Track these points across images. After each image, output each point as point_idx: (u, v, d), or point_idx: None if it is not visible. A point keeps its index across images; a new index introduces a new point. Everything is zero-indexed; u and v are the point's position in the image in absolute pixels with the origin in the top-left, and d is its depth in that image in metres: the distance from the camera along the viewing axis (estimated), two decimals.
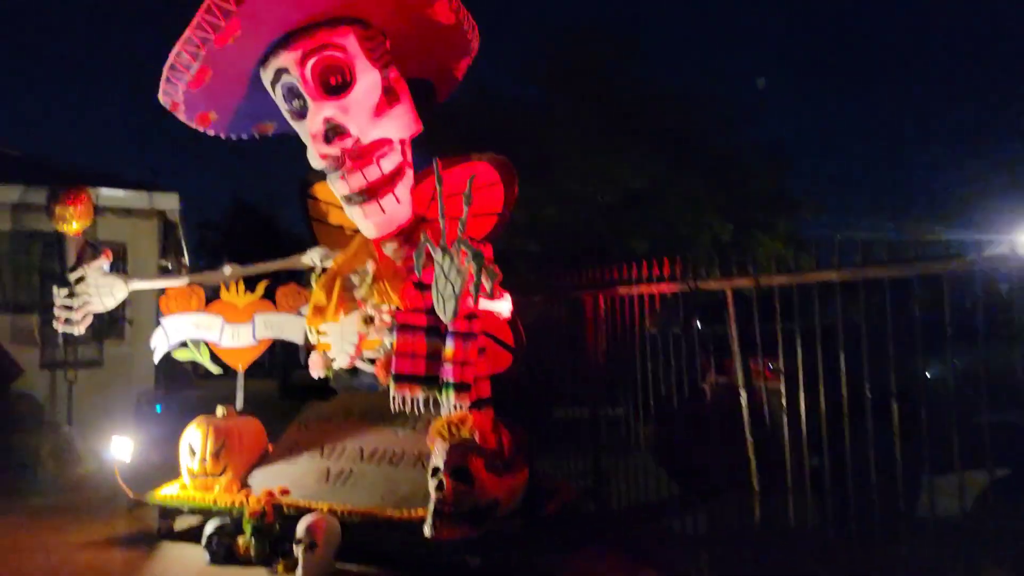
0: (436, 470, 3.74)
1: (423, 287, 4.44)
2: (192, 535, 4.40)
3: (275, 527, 4.00)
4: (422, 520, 3.80)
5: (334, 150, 4.29)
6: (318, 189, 5.28)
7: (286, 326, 4.96)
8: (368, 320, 4.44)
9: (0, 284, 7.09)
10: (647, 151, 13.52)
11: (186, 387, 9.34)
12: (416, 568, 3.91)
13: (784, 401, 3.45)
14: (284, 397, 12.01)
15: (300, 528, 3.81)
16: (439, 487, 3.62)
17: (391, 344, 4.52)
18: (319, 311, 4.53)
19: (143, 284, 5.03)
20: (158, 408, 7.28)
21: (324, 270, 4.90)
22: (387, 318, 4.46)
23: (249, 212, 22.80)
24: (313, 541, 3.76)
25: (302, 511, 4.03)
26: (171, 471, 4.85)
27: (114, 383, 7.31)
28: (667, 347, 4.03)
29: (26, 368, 6.59)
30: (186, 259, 11.09)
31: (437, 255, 3.43)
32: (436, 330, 4.39)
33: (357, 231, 4.98)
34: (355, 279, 4.51)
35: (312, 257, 4.93)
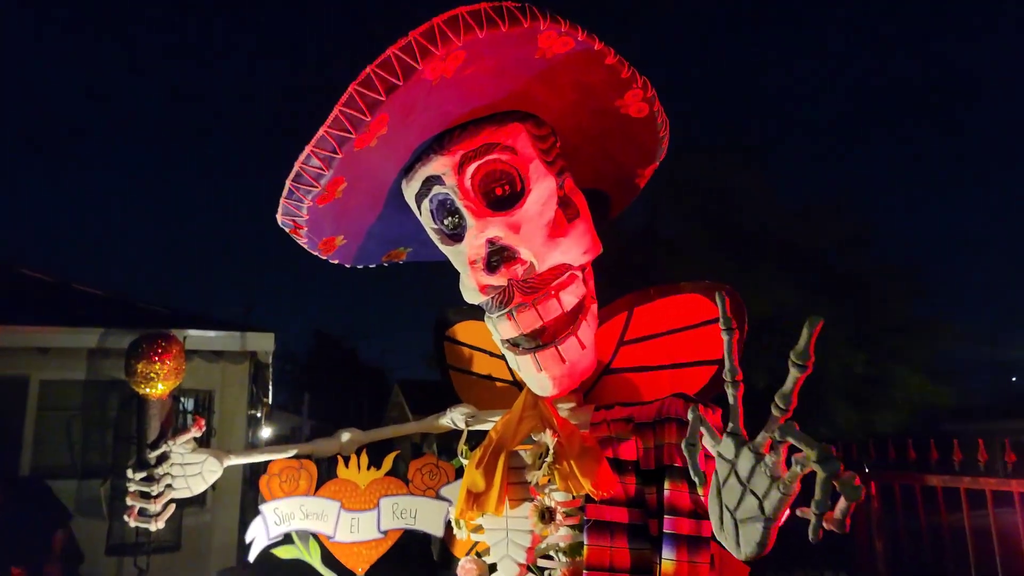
0: None
1: (623, 467, 3.21)
2: None
3: None
4: None
5: (500, 280, 3.19)
6: (460, 330, 4.19)
7: (422, 513, 3.76)
8: (546, 515, 3.19)
9: (68, 443, 6.11)
10: (768, 274, 12.29)
11: None
12: None
13: None
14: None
15: None
16: None
17: (559, 541, 3.27)
18: (475, 499, 3.31)
19: (241, 459, 3.92)
20: None
21: (469, 436, 3.74)
22: (572, 512, 3.21)
23: (331, 344, 22.16)
24: None
25: None
26: None
27: (191, 563, 6.13)
28: None
29: (91, 551, 5.48)
30: (269, 399, 10.12)
31: (726, 448, 2.19)
32: (644, 531, 3.11)
33: (514, 385, 3.84)
34: (525, 456, 3.30)
35: (454, 419, 3.77)
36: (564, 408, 3.44)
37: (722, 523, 2.14)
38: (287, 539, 3.81)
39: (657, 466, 3.09)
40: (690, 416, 2.31)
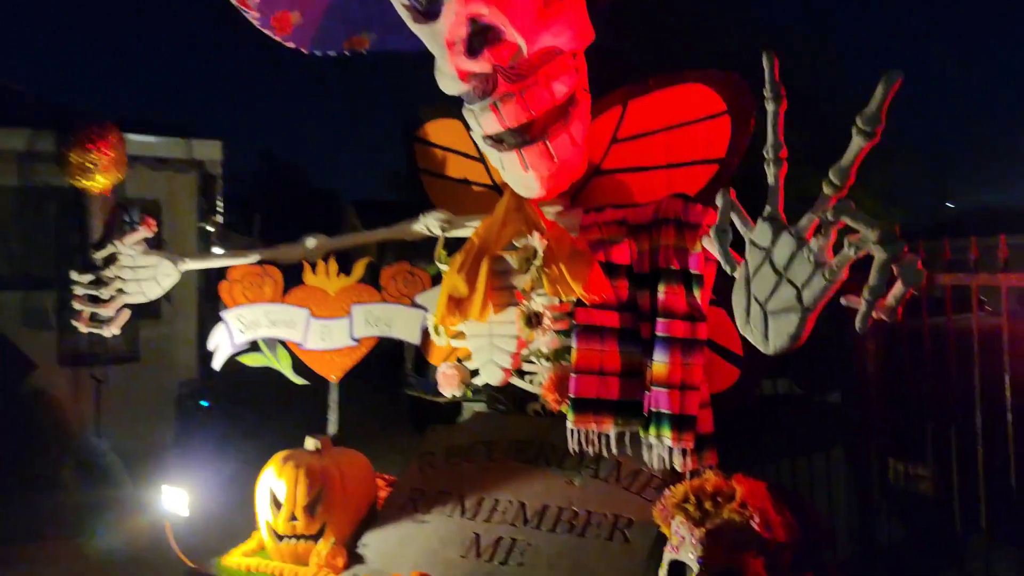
0: (679, 568, 2.37)
1: (615, 271, 3.03)
2: None
3: None
4: None
5: (482, 66, 2.82)
6: (432, 129, 3.84)
7: (397, 320, 3.58)
8: (532, 320, 3.03)
9: (7, 253, 5.72)
10: None
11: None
12: None
13: None
14: None
15: None
16: None
17: (552, 349, 3.15)
18: (457, 305, 3.13)
19: (199, 263, 3.66)
20: (204, 403, 5.97)
21: (446, 242, 3.51)
22: (560, 317, 3.06)
23: (280, 162, 21.37)
24: None
25: None
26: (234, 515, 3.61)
27: (152, 377, 6.00)
28: None
29: (42, 363, 5.27)
30: (220, 215, 9.69)
31: (760, 234, 1.97)
32: (635, 335, 2.99)
33: (494, 189, 3.57)
34: (512, 260, 3.09)
35: (429, 224, 3.51)
36: (550, 211, 3.20)
37: (748, 316, 1.97)
38: (254, 347, 3.64)
39: (652, 269, 2.92)
40: (720, 201, 2.08)
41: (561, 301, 3.03)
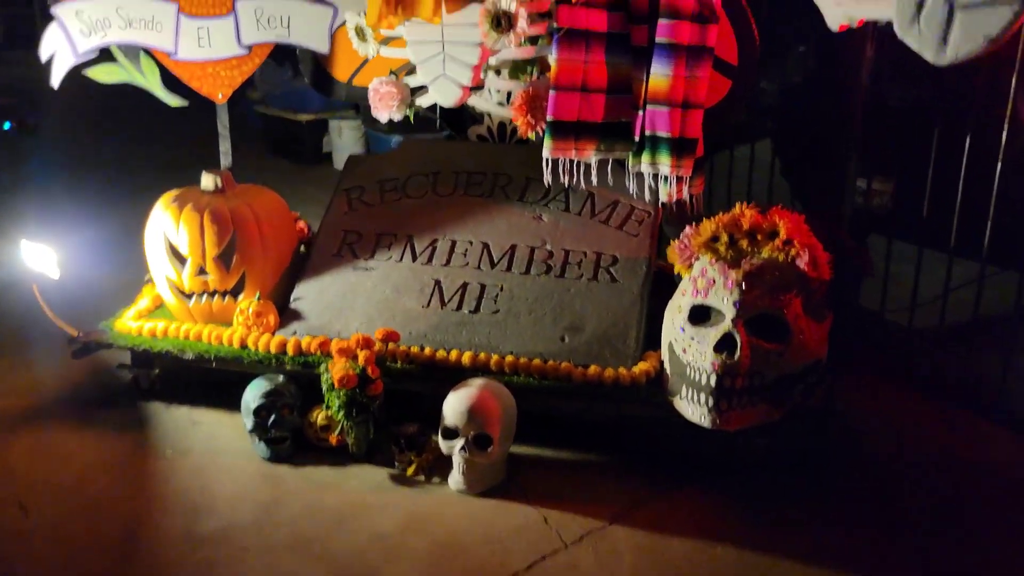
0: (703, 313, 2.12)
1: None
2: (192, 391, 2.65)
3: (379, 401, 2.32)
4: (650, 380, 2.26)
5: None
6: None
7: (298, 20, 2.79)
8: (500, 20, 2.40)
9: None
10: None
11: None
12: (640, 450, 2.42)
13: None
14: None
15: (455, 412, 2.16)
16: (724, 346, 2.03)
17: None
18: (399, 1, 2.41)
19: None
20: (7, 125, 4.84)
21: None
22: (536, 18, 2.43)
23: None
24: (484, 434, 2.15)
25: (430, 368, 2.36)
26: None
27: None
28: None
29: None
30: None
31: None
32: (624, 41, 2.47)
33: None
34: None
35: None
36: None
37: (919, 12, 1.50)
38: (106, 55, 2.73)
39: None
40: None
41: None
